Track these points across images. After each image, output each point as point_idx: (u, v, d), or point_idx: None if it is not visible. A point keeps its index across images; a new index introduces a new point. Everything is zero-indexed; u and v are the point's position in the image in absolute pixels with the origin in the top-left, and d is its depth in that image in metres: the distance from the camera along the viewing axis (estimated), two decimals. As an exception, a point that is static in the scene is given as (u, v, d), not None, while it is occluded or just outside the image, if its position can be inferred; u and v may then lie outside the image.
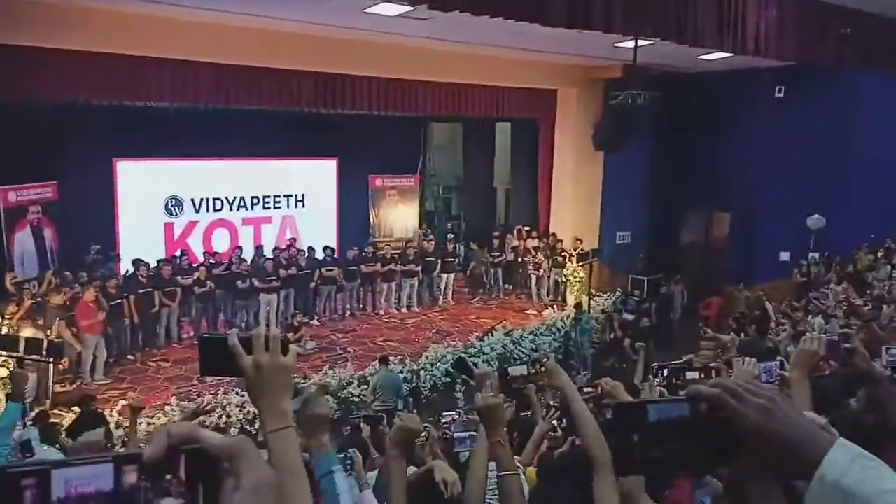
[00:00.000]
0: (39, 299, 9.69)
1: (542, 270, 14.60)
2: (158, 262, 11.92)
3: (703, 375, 2.80)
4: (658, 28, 7.37)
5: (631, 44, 9.90)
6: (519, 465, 2.71)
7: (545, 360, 2.81)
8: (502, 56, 12.42)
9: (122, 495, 0.59)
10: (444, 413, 6.57)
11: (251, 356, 1.20)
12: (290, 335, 11.45)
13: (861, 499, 0.79)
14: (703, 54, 10.99)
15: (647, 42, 9.41)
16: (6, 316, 9.12)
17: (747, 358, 3.03)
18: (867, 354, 2.65)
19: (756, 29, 7.93)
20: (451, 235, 15.74)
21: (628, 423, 0.83)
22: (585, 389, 4.10)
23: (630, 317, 12.77)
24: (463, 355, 9.27)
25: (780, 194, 13.48)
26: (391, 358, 10.60)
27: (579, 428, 2.25)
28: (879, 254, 11.92)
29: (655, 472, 1.12)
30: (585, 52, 11.93)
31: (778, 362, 2.81)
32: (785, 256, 13.78)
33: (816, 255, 13.13)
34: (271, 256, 12.99)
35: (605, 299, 14.02)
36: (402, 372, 10.28)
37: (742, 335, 8.95)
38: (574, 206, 14.90)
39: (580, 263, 13.74)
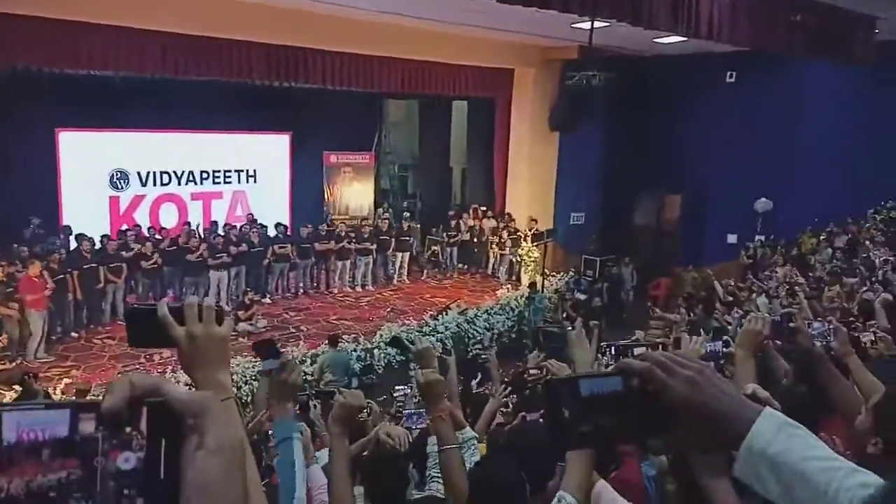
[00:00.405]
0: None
1: (506, 250, 14.62)
2: (103, 237, 11.56)
3: (649, 350, 2.85)
4: (614, 9, 7.38)
5: (588, 25, 9.93)
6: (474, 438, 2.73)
7: (571, 328, 2.80)
8: (460, 34, 12.33)
9: (77, 443, 0.56)
10: (396, 387, 6.56)
11: (183, 327, 1.15)
12: (241, 313, 11.30)
13: (787, 467, 0.80)
14: (658, 37, 11.10)
15: (604, 24, 9.45)
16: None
17: (695, 336, 3.09)
18: (809, 333, 2.73)
19: (709, 13, 8.02)
20: (406, 214, 15.67)
21: (560, 398, 0.83)
22: (532, 371, 4.13)
23: (582, 296, 12.97)
24: (398, 334, 9.32)
25: (730, 178, 13.80)
26: (344, 336, 10.55)
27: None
28: (822, 237, 12.34)
29: (586, 445, 1.14)
30: (543, 31, 11.93)
31: (723, 341, 2.88)
32: (732, 239, 14.16)
33: (762, 237, 13.51)
34: (222, 233, 12.73)
35: (559, 279, 14.19)
36: (355, 350, 10.25)
37: (691, 314, 9.19)
38: (529, 186, 14.98)
39: (535, 243, 13.86)
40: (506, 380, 4.94)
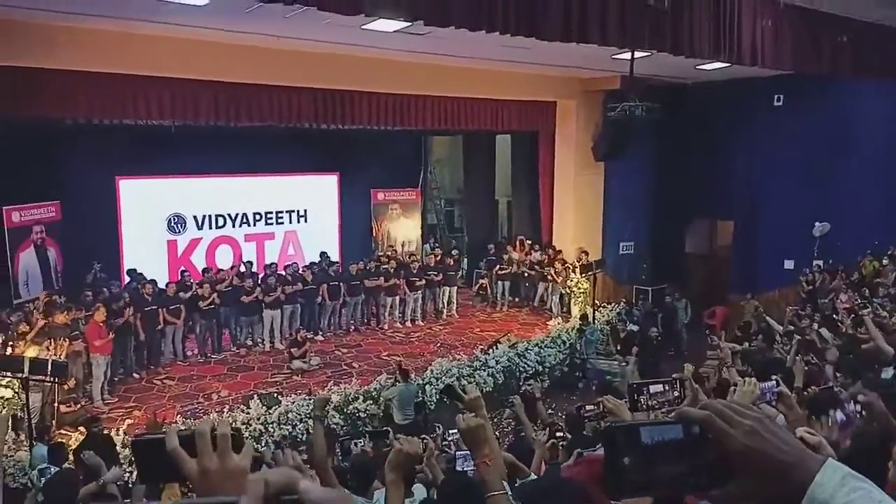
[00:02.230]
0: (48, 319, 9.70)
1: (559, 280, 14.50)
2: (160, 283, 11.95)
3: (666, 388, 2.80)
4: (654, 40, 7.40)
5: (628, 55, 9.94)
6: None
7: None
8: (500, 70, 12.48)
9: None
10: (450, 431, 6.55)
11: (196, 459, 1.00)
12: (294, 351, 11.48)
13: None
14: (700, 64, 11.03)
15: (644, 54, 9.46)
16: (19, 334, 9.14)
17: (747, 378, 3.03)
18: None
19: (752, 39, 7.95)
20: (455, 252, 15.73)
21: (620, 445, 0.83)
22: (588, 407, 4.09)
23: (635, 328, 12.74)
24: (451, 383, 9.30)
25: (783, 202, 13.48)
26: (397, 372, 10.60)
27: None
28: (885, 261, 11.87)
29: (646, 494, 1.13)
30: (583, 64, 11.98)
31: (774, 381, 2.82)
32: (789, 264, 13.75)
33: (821, 262, 13.09)
34: (277, 272, 13.01)
35: (610, 310, 13.99)
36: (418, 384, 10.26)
37: (748, 344, 8.93)
38: (576, 217, 14.91)
39: (584, 275, 13.73)
40: (551, 415, 4.89)
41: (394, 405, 9.52)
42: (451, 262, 14.84)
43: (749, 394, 2.71)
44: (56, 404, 9.08)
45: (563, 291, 14.54)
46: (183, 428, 1.02)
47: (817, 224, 13.29)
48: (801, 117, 13.16)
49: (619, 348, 12.07)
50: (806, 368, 5.25)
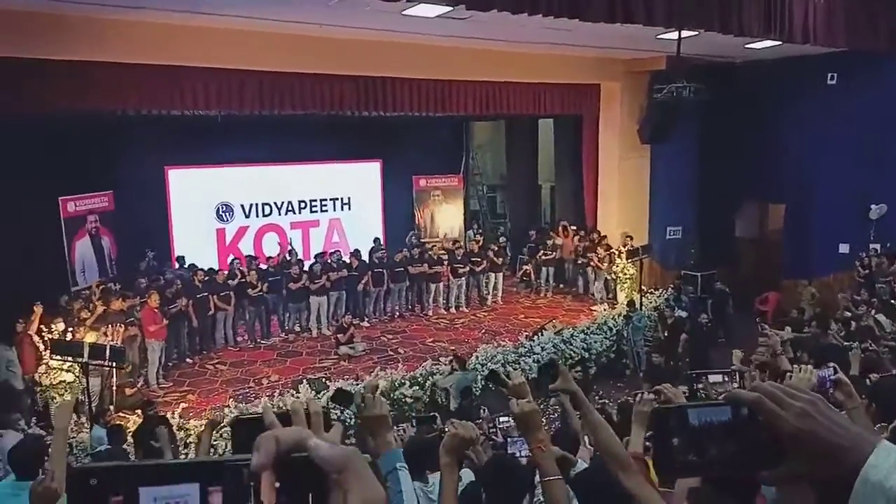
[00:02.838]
0: (106, 306, 10.03)
1: (604, 266, 14.37)
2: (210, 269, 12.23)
3: (725, 378, 2.75)
4: (702, 19, 7.21)
5: (674, 35, 9.71)
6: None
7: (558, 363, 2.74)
8: (543, 53, 12.33)
9: None
10: (500, 419, 6.55)
11: None
12: (340, 336, 11.64)
13: None
14: (749, 43, 10.70)
15: (692, 33, 9.23)
16: (80, 320, 9.49)
17: (804, 366, 2.95)
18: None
19: (804, 16, 7.69)
20: (502, 239, 15.67)
21: (668, 427, 0.84)
22: (647, 396, 4.04)
23: (683, 314, 12.52)
24: (495, 368, 9.28)
25: (838, 184, 13.02)
26: (441, 358, 10.67)
27: (594, 434, 2.23)
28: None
29: (695, 474, 1.13)
30: (627, 45, 11.75)
31: (832, 368, 2.75)
32: (844, 248, 13.30)
33: (878, 246, 12.64)
34: (322, 260, 13.18)
35: (658, 296, 13.79)
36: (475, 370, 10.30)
37: (803, 332, 8.68)
38: (621, 201, 14.70)
39: (630, 260, 13.54)
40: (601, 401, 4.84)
41: (451, 393, 9.57)
42: (497, 249, 14.80)
43: (805, 381, 2.65)
44: (114, 388, 9.40)
45: (609, 277, 14.38)
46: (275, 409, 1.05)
47: (874, 206, 12.82)
48: (855, 96, 12.67)
49: (666, 335, 11.89)
50: (863, 355, 5.10)
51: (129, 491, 0.58)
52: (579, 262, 14.79)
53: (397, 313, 13.72)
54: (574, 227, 15.30)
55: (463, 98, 12.77)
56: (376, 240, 14.42)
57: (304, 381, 9.92)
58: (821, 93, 13.22)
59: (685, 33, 9.56)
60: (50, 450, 3.89)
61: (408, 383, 9.89)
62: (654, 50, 12.13)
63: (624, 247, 13.94)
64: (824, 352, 4.52)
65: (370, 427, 2.05)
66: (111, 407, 9.10)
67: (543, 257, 15.14)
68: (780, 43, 9.20)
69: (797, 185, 13.82)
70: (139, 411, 8.45)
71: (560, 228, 15.50)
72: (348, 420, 7.36)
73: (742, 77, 13.64)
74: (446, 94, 12.54)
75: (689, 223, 15.05)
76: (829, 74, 13.09)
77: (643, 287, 13.30)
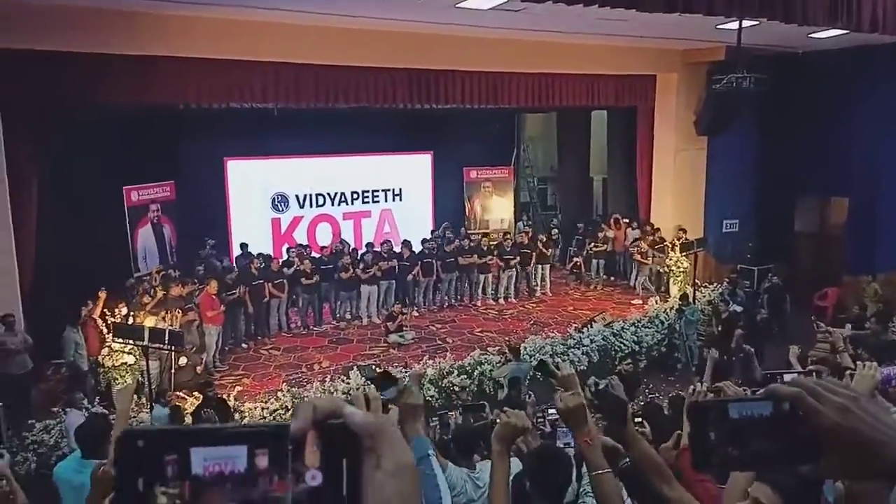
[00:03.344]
0: (166, 291, 10.40)
1: (650, 260, 14.20)
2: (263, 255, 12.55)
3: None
4: (764, 8, 7.02)
5: (734, 25, 9.47)
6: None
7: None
8: (597, 43, 12.18)
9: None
10: (550, 411, 6.56)
11: None
12: (390, 325, 11.80)
13: None
14: (813, 32, 10.35)
15: (753, 22, 8.98)
16: (141, 305, 9.88)
17: (868, 363, 2.87)
18: None
19: (872, 4, 7.40)
20: (555, 231, 15.58)
21: (707, 420, 0.84)
22: (701, 388, 4.00)
23: (738, 308, 12.24)
24: (545, 359, 9.20)
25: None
26: (489, 348, 10.70)
27: (632, 449, 2.17)
28: None
29: (734, 468, 1.12)
30: (685, 35, 11.51)
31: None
32: (912, 244, 12.80)
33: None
34: (373, 249, 13.35)
35: (712, 291, 13.51)
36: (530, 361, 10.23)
37: (864, 329, 8.43)
38: (675, 194, 14.44)
39: (683, 253, 13.30)
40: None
41: (505, 383, 9.58)
42: (546, 240, 14.74)
43: (869, 378, 2.57)
44: (173, 371, 9.75)
45: (660, 270, 14.16)
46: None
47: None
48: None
49: (720, 329, 11.65)
50: (927, 354, 4.94)
51: (181, 451, 0.61)
52: (638, 254, 14.59)
53: (446, 303, 13.82)
54: (626, 220, 15.11)
55: (515, 90, 12.71)
56: (445, 226, 14.76)
57: (355, 367, 10.09)
58: (889, 84, 12.70)
59: (746, 22, 9.32)
60: (112, 432, 4.04)
61: (455, 372, 9.97)
62: (712, 40, 11.84)
63: (678, 240, 13.69)
64: (884, 349, 4.39)
65: (404, 414, 2.09)
66: (170, 388, 9.44)
67: (594, 249, 15.01)
68: (846, 32, 8.88)
69: (863, 178, 13.33)
70: (197, 392, 8.76)
71: (612, 221, 15.33)
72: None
73: (804, 67, 13.20)
74: (499, 87, 12.50)
75: (747, 217, 14.69)
76: (898, 64, 12.56)
77: (697, 281, 13.06)
